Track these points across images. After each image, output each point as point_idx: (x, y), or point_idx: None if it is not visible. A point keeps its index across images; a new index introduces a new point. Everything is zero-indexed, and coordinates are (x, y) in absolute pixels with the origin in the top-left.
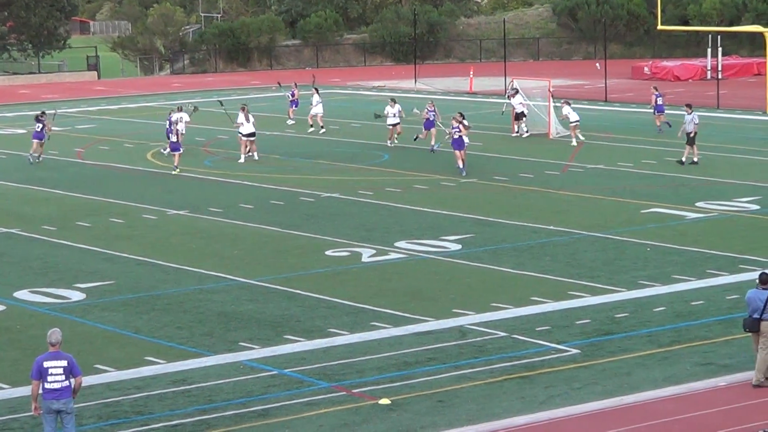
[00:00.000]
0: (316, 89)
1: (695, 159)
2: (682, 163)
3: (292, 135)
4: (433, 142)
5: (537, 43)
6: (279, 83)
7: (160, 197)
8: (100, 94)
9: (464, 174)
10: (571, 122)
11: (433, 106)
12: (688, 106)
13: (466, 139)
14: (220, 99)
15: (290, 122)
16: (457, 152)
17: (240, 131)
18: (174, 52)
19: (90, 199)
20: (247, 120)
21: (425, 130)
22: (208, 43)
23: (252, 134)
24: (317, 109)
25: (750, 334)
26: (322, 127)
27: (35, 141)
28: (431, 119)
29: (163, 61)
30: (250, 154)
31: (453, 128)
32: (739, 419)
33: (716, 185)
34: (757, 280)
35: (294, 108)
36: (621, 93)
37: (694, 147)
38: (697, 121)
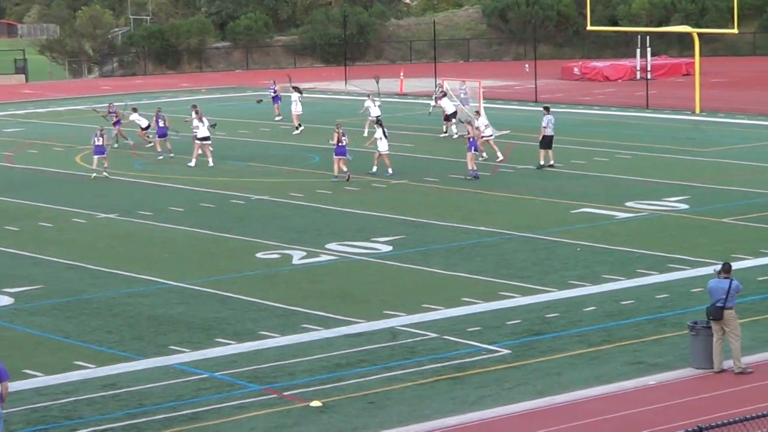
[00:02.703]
0: (295, 88)
1: (548, 163)
2: (541, 167)
3: (223, 137)
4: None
5: (467, 44)
6: (259, 100)
7: (90, 201)
8: (28, 97)
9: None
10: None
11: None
12: (546, 108)
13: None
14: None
15: (277, 118)
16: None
17: (195, 134)
18: (103, 55)
19: (18, 203)
20: (201, 122)
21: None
22: (137, 46)
23: (206, 138)
24: (298, 109)
25: (712, 322)
26: (298, 126)
27: None
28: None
29: (92, 64)
30: (206, 159)
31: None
32: (668, 418)
33: (646, 185)
34: (718, 270)
35: (278, 104)
36: (551, 94)
37: (549, 151)
38: (544, 125)
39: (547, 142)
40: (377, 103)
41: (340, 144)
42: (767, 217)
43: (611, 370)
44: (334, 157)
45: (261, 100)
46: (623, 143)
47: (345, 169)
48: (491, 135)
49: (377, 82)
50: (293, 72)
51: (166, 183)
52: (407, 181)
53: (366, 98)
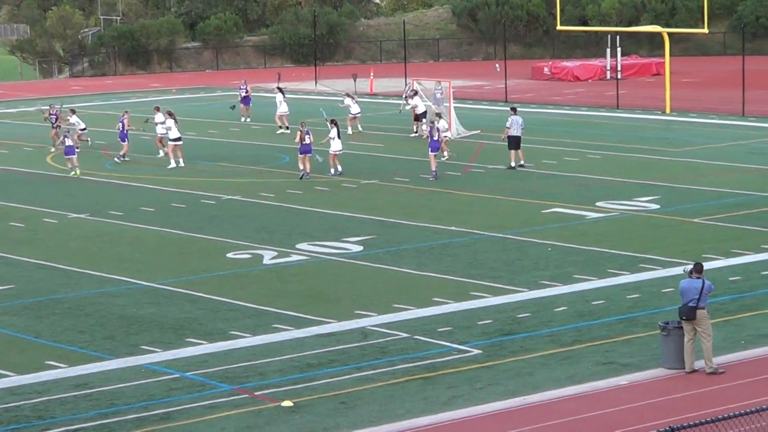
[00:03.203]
0: (280, 89)
1: (518, 163)
2: (512, 168)
3: (193, 138)
4: None
5: (437, 44)
6: (233, 106)
7: (61, 201)
8: None
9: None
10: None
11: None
12: (513, 109)
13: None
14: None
15: (247, 120)
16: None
17: (168, 135)
18: (73, 55)
19: None
20: (175, 123)
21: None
22: (107, 46)
23: (178, 139)
24: (283, 109)
25: (683, 322)
26: (287, 127)
27: None
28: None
29: (62, 64)
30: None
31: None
32: (640, 418)
33: (616, 185)
34: (689, 270)
35: (249, 105)
36: (521, 93)
37: (519, 152)
38: (512, 124)
39: (514, 143)
40: (354, 101)
41: (303, 142)
42: (738, 217)
43: (583, 370)
44: (299, 155)
45: (234, 106)
46: (594, 143)
47: (305, 167)
48: (449, 136)
49: (355, 80)
50: (264, 72)
51: (137, 183)
52: (378, 181)
53: (344, 96)
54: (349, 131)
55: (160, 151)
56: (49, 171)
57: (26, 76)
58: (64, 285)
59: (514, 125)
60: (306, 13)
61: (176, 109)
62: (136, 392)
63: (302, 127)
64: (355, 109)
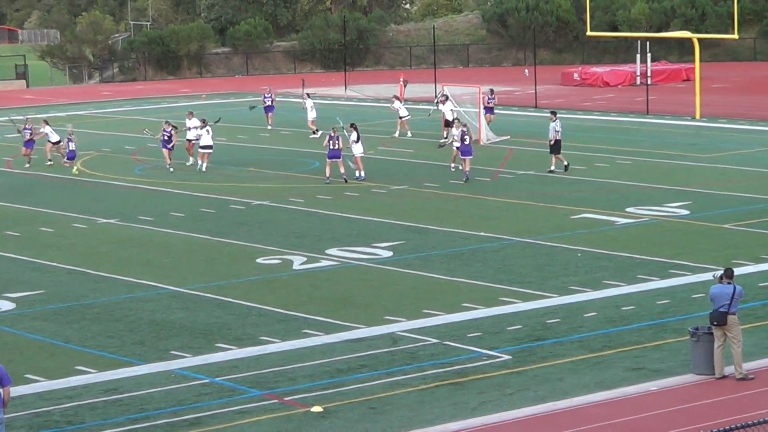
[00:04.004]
0: (308, 94)
1: (553, 168)
2: (551, 171)
3: (223, 143)
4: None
5: (467, 49)
6: (252, 107)
7: (90, 206)
8: (28, 102)
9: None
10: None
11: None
12: (553, 113)
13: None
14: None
15: (269, 128)
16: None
17: (197, 140)
18: (103, 61)
19: (19, 208)
20: (206, 130)
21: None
22: (137, 51)
23: (209, 146)
24: (312, 114)
25: (714, 328)
26: (315, 131)
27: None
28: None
29: (93, 70)
30: (200, 162)
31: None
32: (670, 424)
33: (646, 190)
34: (720, 275)
35: (272, 113)
36: (551, 99)
37: (558, 156)
38: (558, 128)
39: (552, 147)
40: (402, 104)
41: (332, 148)
42: None
43: (612, 375)
44: (327, 160)
45: (254, 107)
46: (623, 149)
47: (334, 172)
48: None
49: (405, 85)
50: (294, 78)
51: (166, 188)
52: (407, 187)
53: (393, 100)
54: (409, 135)
55: (191, 158)
56: (79, 177)
57: (56, 81)
58: (93, 290)
59: (551, 130)
60: (336, 18)
61: (206, 115)
62: (166, 397)
63: (333, 132)
64: (403, 112)
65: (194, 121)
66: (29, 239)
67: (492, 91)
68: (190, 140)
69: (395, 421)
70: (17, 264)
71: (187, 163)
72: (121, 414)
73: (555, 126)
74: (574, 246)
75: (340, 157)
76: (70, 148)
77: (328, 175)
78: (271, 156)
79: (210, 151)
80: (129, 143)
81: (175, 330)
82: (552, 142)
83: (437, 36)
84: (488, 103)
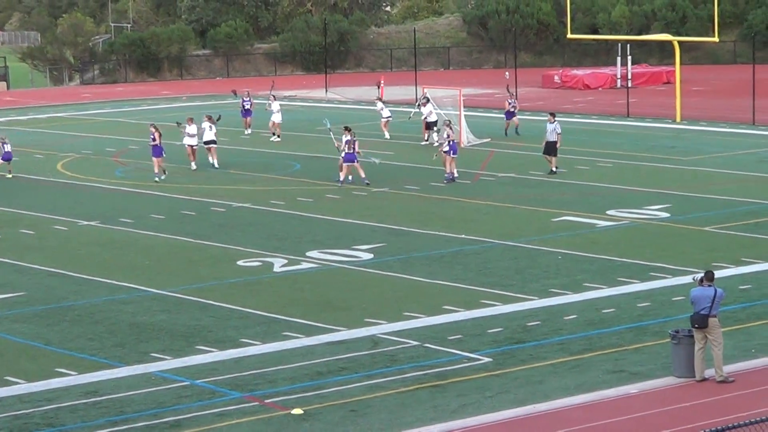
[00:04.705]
0: (274, 96)
1: (553, 168)
2: (553, 172)
3: (202, 146)
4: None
5: (448, 52)
6: (234, 92)
7: (71, 208)
8: (9, 104)
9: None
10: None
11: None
12: (552, 114)
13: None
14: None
15: (248, 131)
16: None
17: (202, 138)
18: (84, 63)
19: (0, 211)
20: (210, 127)
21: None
22: (118, 53)
23: (212, 142)
24: (277, 117)
25: (694, 331)
26: (278, 135)
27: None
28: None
29: (73, 72)
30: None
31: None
32: (650, 427)
33: (627, 193)
34: (700, 278)
35: (250, 117)
36: (532, 102)
37: (550, 158)
38: (559, 131)
39: (547, 149)
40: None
41: (347, 151)
42: (748, 226)
43: (593, 378)
44: (343, 163)
45: (235, 91)
46: (604, 151)
47: (362, 174)
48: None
49: (379, 87)
50: (277, 79)
51: (147, 191)
52: (387, 189)
53: (377, 101)
54: (387, 136)
55: (193, 164)
56: (60, 178)
57: (37, 83)
58: (74, 292)
59: (551, 132)
60: (316, 20)
61: (183, 116)
62: (146, 400)
63: (347, 134)
64: (386, 113)
65: (193, 128)
66: (10, 241)
67: (512, 94)
68: (191, 146)
69: (375, 423)
70: None
71: (191, 168)
72: (100, 416)
73: (555, 128)
74: (554, 249)
75: (355, 161)
76: (6, 150)
77: (342, 179)
78: (252, 158)
79: (214, 146)
80: (110, 145)
81: (155, 332)
82: (548, 143)
83: (418, 38)
84: (510, 107)
